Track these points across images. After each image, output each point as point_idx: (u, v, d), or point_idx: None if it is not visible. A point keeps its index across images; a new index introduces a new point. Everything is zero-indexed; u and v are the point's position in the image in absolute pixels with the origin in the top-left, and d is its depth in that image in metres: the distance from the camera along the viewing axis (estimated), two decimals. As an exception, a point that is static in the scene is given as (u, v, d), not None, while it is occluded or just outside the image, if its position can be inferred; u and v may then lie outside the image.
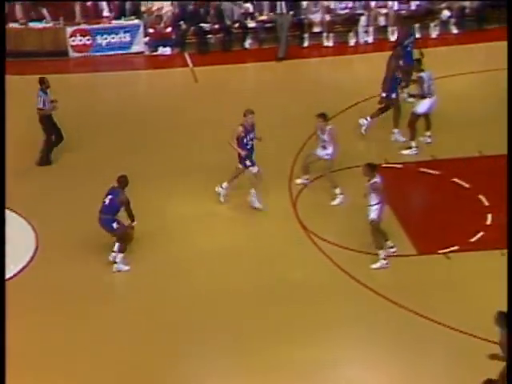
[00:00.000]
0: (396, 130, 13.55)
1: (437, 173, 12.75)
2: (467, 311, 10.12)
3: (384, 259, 10.89)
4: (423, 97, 12.93)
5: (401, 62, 13.38)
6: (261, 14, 16.96)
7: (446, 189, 12.47)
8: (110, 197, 10.84)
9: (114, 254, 10.88)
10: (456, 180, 12.53)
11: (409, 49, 13.85)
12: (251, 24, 16.93)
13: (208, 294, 10.48)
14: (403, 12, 16.96)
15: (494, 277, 10.69)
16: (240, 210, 12.22)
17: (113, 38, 16.88)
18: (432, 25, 16.89)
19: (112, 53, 16.82)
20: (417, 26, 16.61)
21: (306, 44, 16.88)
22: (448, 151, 13.20)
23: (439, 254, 11.13)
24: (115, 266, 10.88)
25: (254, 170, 11.82)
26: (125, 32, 16.88)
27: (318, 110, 13.32)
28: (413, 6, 16.99)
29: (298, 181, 12.64)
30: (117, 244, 10.84)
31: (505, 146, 13.06)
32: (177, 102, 14.62)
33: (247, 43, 17.03)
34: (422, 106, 13.07)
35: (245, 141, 11.75)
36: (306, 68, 15.99)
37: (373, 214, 10.76)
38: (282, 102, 14.60)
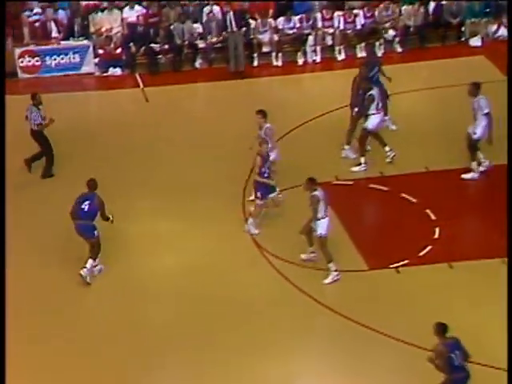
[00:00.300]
0: (347, 147, 13.66)
1: (386, 189, 12.88)
2: (417, 324, 10.21)
3: (335, 271, 10.96)
4: (373, 113, 13.05)
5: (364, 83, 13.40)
6: (210, 35, 16.97)
7: (394, 204, 12.61)
8: (87, 202, 10.79)
9: (87, 266, 10.85)
10: (404, 195, 12.67)
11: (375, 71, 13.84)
12: (201, 44, 16.94)
13: (164, 312, 10.49)
14: (349, 32, 17.16)
15: (443, 289, 10.91)
16: (195, 227, 12.16)
17: (62, 58, 16.67)
18: (377, 44, 17.13)
19: (62, 74, 16.62)
20: (362, 45, 16.97)
21: (255, 63, 16.96)
22: (396, 167, 13.34)
23: (390, 268, 11.25)
24: (83, 271, 10.81)
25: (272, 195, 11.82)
26: (74, 53, 16.69)
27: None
28: (358, 25, 17.21)
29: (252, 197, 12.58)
30: (91, 253, 10.86)
31: (449, 161, 13.39)
32: (128, 121, 14.56)
33: (197, 63, 17.04)
34: (372, 123, 13.21)
35: (263, 170, 11.72)
36: (256, 87, 16.05)
37: (319, 228, 10.83)
38: (233, 119, 14.64)
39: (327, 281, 10.96)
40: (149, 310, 10.61)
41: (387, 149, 13.33)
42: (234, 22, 16.50)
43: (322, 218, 10.82)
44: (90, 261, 10.90)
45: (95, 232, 10.84)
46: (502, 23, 17.28)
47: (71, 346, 10.00)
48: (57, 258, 11.31)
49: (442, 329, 8.65)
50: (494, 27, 17.37)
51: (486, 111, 12.65)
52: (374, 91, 13.13)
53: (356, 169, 13.30)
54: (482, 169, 13.02)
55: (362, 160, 13.33)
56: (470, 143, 13.01)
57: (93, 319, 10.52)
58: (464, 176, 13.07)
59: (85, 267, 10.84)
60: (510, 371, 8.86)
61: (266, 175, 11.79)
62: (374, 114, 13.09)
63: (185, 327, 10.32)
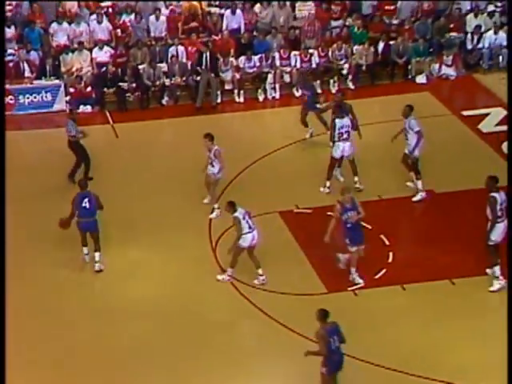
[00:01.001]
0: (337, 169, 13.88)
1: (343, 216, 13.12)
2: (374, 343, 10.38)
3: (230, 276, 11.49)
4: (334, 141, 13.31)
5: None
6: (175, 74, 17.09)
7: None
8: (86, 200, 11.32)
9: (97, 259, 11.59)
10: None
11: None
12: (167, 82, 17.05)
13: (130, 333, 10.51)
14: (305, 70, 17.43)
15: (397, 310, 11.08)
16: (161, 255, 12.18)
17: (35, 97, 16.62)
18: (331, 81, 17.44)
19: (35, 111, 16.56)
20: (318, 82, 17.26)
21: (218, 100, 17.12)
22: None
23: (347, 291, 11.40)
24: (97, 265, 11.61)
25: (353, 249, 11.36)
26: (46, 92, 16.65)
27: (232, 160, 13.67)
28: (313, 64, 17.49)
29: (205, 200, 13.21)
30: (96, 245, 11.55)
31: (400, 190, 13.65)
32: (99, 156, 14.51)
33: (164, 100, 17.14)
34: (336, 150, 13.39)
35: (344, 218, 11.26)
36: (219, 122, 16.16)
37: (242, 241, 11.26)
38: (197, 153, 14.71)
39: (220, 277, 11.52)
40: (117, 331, 10.60)
41: (356, 179, 13.60)
42: (208, 62, 16.64)
43: (248, 232, 11.22)
44: (98, 253, 11.59)
45: (97, 226, 11.48)
46: (444, 62, 17.67)
47: (40, 360, 9.93)
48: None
49: (323, 315, 9.04)
50: (437, 66, 17.72)
51: (416, 129, 13.04)
52: (339, 120, 13.30)
53: (322, 189, 13.63)
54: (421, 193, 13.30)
55: (328, 183, 13.60)
56: (410, 163, 13.32)
57: (65, 337, 10.48)
58: (414, 199, 13.34)
59: (96, 262, 11.58)
60: (510, 371, 8.90)
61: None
62: (336, 142, 13.30)
63: (147, 347, 10.32)
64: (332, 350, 9.03)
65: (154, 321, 10.86)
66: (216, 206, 12.98)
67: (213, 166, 12.79)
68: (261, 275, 11.46)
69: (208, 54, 16.78)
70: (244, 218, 11.26)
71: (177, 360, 10.15)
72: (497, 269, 11.24)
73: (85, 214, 11.34)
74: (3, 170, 12.26)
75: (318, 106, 14.91)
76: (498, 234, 11.07)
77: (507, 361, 9.01)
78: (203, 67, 16.68)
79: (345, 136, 13.32)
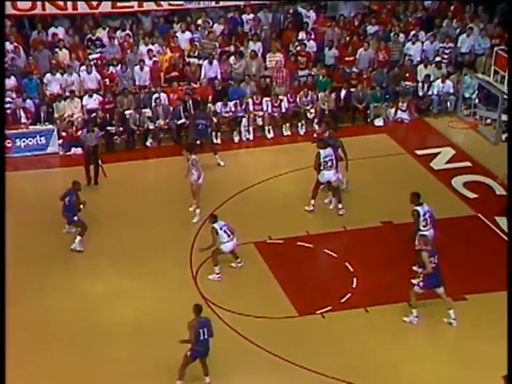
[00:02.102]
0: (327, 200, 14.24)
1: (311, 246, 13.20)
2: (341, 361, 10.49)
3: (218, 273, 11.97)
4: (320, 170, 13.69)
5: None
6: (158, 118, 17.26)
7: (319, 259, 12.95)
8: (67, 198, 12.77)
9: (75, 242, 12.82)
10: (326, 251, 13.03)
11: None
12: (151, 126, 17.18)
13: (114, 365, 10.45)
14: (276, 114, 17.67)
15: (361, 331, 11.21)
16: (144, 283, 12.19)
17: (30, 141, 16.61)
18: (299, 124, 17.70)
19: (30, 154, 16.56)
20: (287, 125, 17.52)
21: (198, 141, 17.20)
22: (319, 227, 13.73)
23: (316, 314, 11.49)
24: (73, 245, 12.83)
25: (440, 290, 11.15)
26: (41, 136, 16.66)
27: (210, 195, 13.84)
28: (283, 109, 17.74)
29: (191, 209, 13.74)
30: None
31: (362, 221, 13.84)
32: (90, 192, 14.52)
33: (148, 142, 17.25)
34: (322, 176, 13.75)
35: (432, 260, 11.05)
36: (199, 161, 16.28)
37: (224, 247, 12.12)
38: (179, 189, 14.83)
39: (211, 277, 12.14)
40: (102, 350, 10.62)
41: (340, 206, 13.94)
42: (192, 107, 16.93)
43: (227, 241, 12.11)
44: (78, 237, 12.89)
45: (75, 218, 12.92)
46: (399, 107, 17.99)
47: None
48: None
49: (197, 309, 9.81)
50: (393, 110, 18.03)
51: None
52: (322, 151, 13.65)
53: (307, 207, 13.99)
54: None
55: (312, 202, 13.96)
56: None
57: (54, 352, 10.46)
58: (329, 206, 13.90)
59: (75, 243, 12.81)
60: (510, 371, 8.91)
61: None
62: (322, 169, 13.65)
63: (129, 365, 10.32)
64: (200, 340, 9.62)
65: (135, 341, 10.84)
66: (198, 211, 13.71)
67: (192, 173, 13.60)
68: (217, 273, 12.16)
69: (190, 101, 17.05)
70: (221, 229, 12.01)
71: (155, 378, 10.10)
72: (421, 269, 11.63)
73: (66, 209, 12.97)
74: (3, 169, 12.57)
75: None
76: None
77: (507, 361, 8.99)
78: (190, 112, 16.88)
79: (329, 164, 13.70)
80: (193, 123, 16.34)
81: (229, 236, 12.15)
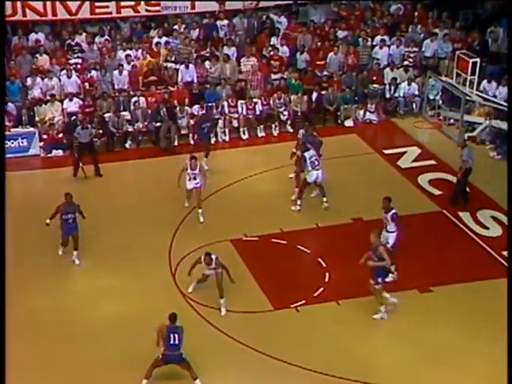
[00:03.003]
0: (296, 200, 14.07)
1: (285, 242, 13.16)
2: (314, 353, 10.49)
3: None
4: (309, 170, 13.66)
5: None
6: (137, 121, 17.10)
7: (292, 255, 12.88)
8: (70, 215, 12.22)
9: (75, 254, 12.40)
10: (300, 247, 13.01)
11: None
12: (130, 129, 17.00)
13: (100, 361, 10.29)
14: (250, 116, 17.61)
15: (333, 323, 11.21)
16: (126, 281, 12.08)
17: (12, 143, 16.34)
18: (273, 126, 17.67)
19: (12, 156, 16.23)
20: (261, 126, 17.47)
21: (176, 143, 17.14)
22: (292, 224, 13.69)
23: (291, 308, 11.48)
24: (75, 259, 12.41)
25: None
26: (22, 138, 16.40)
27: (184, 195, 13.61)
28: (257, 111, 17.68)
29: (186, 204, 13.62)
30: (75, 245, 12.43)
31: (334, 218, 13.83)
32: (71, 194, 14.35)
33: (127, 144, 17.07)
34: (311, 177, 13.67)
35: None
36: (177, 162, 16.06)
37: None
38: (157, 190, 14.75)
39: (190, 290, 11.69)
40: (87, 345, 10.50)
41: (324, 199, 13.92)
42: (166, 112, 16.79)
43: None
44: (75, 252, 12.38)
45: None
46: (368, 109, 18.04)
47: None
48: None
49: (173, 318, 9.79)
50: (362, 112, 18.06)
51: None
52: (307, 153, 13.62)
53: (294, 207, 13.91)
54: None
55: (298, 202, 13.87)
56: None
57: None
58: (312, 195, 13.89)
59: (74, 258, 12.43)
60: (509, 371, 8.85)
61: None
62: (310, 170, 13.60)
63: (114, 361, 10.19)
64: (170, 344, 9.55)
65: (119, 337, 10.74)
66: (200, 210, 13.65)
67: (191, 179, 13.60)
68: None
69: (165, 108, 16.91)
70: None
71: (139, 374, 9.96)
72: (393, 268, 11.77)
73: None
74: (3, 172, 12.39)
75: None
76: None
77: (507, 361, 8.92)
78: (163, 116, 16.80)
79: (316, 163, 13.68)
80: (198, 126, 16.12)
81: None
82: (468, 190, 14.39)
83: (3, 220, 10.79)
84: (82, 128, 15.35)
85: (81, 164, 15.51)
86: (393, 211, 11.91)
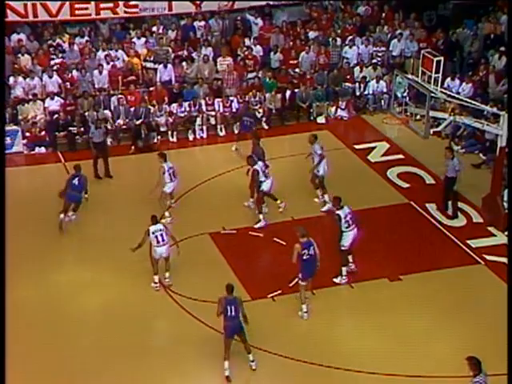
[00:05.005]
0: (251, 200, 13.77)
1: (262, 235, 13.07)
2: (291, 341, 10.39)
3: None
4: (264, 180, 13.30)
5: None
6: (117, 119, 16.80)
7: (269, 247, 12.79)
8: (77, 179, 12.64)
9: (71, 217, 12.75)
10: (276, 239, 12.90)
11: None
12: (109, 126, 16.65)
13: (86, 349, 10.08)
14: (227, 114, 17.42)
15: (309, 312, 11.12)
16: (109, 273, 11.86)
17: (-5, 141, 16.02)
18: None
19: (-5, 153, 15.91)
20: (237, 124, 17.26)
21: (155, 140, 16.88)
22: (268, 217, 13.53)
23: (267, 298, 11.38)
24: (62, 217, 12.69)
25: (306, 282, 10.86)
26: (6, 136, 15.95)
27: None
28: (233, 109, 17.49)
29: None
30: (75, 209, 12.92)
31: (309, 211, 13.73)
32: (53, 191, 13.92)
33: (108, 141, 16.71)
34: (266, 185, 13.35)
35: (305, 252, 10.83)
36: (156, 159, 15.96)
37: (155, 253, 11.42)
38: (137, 184, 14.48)
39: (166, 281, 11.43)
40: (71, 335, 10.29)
41: (278, 202, 13.61)
42: (143, 115, 16.55)
43: (157, 246, 11.35)
44: (71, 212, 12.84)
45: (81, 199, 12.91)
46: (339, 106, 18.00)
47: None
48: None
49: (229, 289, 9.50)
50: (334, 109, 18.01)
51: (319, 152, 13.58)
52: (257, 165, 13.25)
53: (257, 225, 13.26)
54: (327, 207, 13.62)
55: (261, 217, 13.33)
56: (317, 182, 13.75)
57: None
58: (323, 209, 13.70)
59: (67, 216, 12.84)
60: (510, 371, 8.57)
61: None
62: (264, 180, 13.27)
63: (98, 351, 10.03)
64: (227, 315, 9.32)
65: (102, 327, 10.58)
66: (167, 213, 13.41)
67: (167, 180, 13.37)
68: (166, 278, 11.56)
69: (144, 108, 16.65)
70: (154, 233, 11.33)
71: (121, 362, 9.86)
72: (344, 269, 11.71)
73: (73, 188, 12.77)
74: (3, 174, 12.21)
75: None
76: (347, 240, 11.62)
77: (507, 360, 8.69)
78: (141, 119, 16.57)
79: (267, 172, 13.37)
80: (240, 119, 16.49)
81: (162, 241, 11.33)
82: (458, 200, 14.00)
83: (3, 220, 10.44)
84: (96, 128, 14.88)
85: (63, 161, 15.16)
86: (338, 212, 11.52)
